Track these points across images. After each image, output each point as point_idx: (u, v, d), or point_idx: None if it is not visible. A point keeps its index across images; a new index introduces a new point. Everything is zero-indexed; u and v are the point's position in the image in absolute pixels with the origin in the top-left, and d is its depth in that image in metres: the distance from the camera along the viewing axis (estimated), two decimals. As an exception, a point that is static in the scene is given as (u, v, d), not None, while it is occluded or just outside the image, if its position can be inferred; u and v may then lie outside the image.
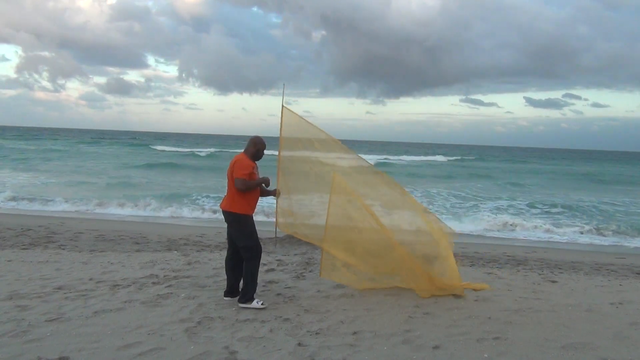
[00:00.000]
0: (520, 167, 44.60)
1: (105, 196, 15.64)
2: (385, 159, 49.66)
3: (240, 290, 4.86)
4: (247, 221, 4.80)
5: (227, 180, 4.87)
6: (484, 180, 28.80)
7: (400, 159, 51.58)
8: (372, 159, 47.51)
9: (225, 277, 5.87)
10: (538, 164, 52.97)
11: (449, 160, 53.14)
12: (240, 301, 4.72)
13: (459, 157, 58.67)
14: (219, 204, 5.12)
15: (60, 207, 13.80)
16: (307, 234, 5.41)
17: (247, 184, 4.71)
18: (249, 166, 4.75)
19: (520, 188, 24.60)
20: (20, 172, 23.17)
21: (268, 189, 5.02)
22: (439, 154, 64.59)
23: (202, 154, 45.08)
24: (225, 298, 4.97)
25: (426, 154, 66.30)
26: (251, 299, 4.71)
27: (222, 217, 4.93)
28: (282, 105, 5.16)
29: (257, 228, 4.92)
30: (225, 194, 4.90)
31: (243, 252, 4.78)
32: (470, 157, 60.98)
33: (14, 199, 14.56)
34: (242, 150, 4.97)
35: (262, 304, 4.69)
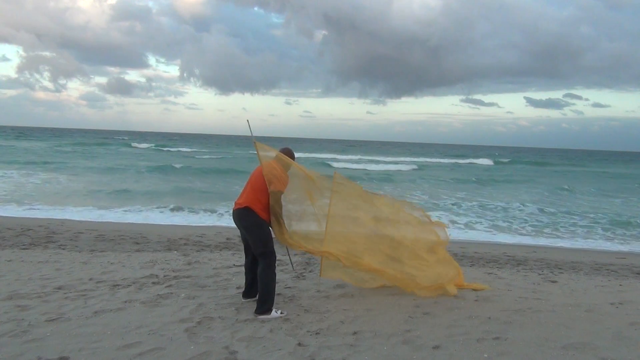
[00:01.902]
0: (568, 170, 43.64)
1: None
2: (415, 161, 48.33)
3: (254, 291, 4.78)
4: (267, 227, 4.64)
5: (250, 184, 4.70)
6: (564, 187, 25.51)
7: (439, 161, 50.35)
8: (408, 161, 46.37)
9: (226, 277, 5.89)
10: (575, 165, 52.35)
11: (495, 163, 51.45)
12: (257, 312, 4.46)
13: (504, 160, 56.57)
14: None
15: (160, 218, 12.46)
16: (304, 244, 5.04)
17: (280, 204, 4.63)
18: (286, 182, 4.68)
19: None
20: (57, 175, 22.17)
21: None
22: (483, 157, 61.33)
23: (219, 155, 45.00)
24: (243, 300, 4.89)
25: (474, 157, 63.16)
26: (269, 310, 4.47)
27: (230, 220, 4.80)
28: (254, 141, 4.74)
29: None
30: (245, 194, 4.69)
31: (262, 257, 4.56)
32: (505, 160, 58.56)
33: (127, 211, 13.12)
34: (274, 159, 4.76)
35: (281, 313, 4.50)
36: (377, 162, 45.65)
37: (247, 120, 4.77)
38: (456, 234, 11.57)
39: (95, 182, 20.65)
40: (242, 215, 4.63)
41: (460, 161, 53.25)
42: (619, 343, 3.92)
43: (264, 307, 4.47)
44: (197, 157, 43.69)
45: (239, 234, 4.92)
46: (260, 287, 4.55)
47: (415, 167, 40.67)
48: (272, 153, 4.83)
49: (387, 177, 29.86)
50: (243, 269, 6.33)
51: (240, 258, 7.20)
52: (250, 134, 4.77)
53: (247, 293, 4.93)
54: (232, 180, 23.48)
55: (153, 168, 28.37)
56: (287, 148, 4.92)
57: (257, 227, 4.58)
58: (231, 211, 4.87)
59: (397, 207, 5.74)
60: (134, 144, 59.44)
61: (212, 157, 44.94)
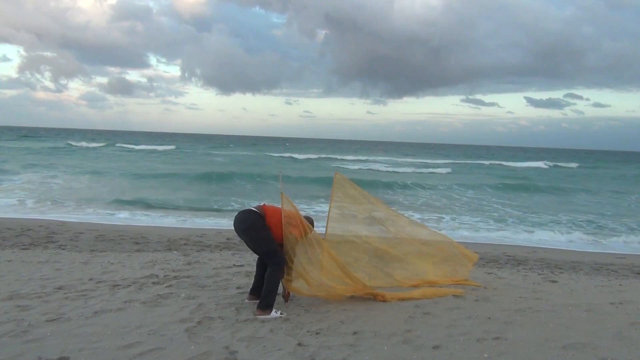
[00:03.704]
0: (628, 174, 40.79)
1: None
2: (446, 163, 45.63)
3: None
4: (270, 232, 4.60)
5: (272, 207, 4.75)
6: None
7: (477, 163, 47.56)
8: (440, 164, 44.01)
9: (226, 277, 5.89)
10: (618, 167, 49.88)
11: (553, 166, 48.10)
12: (258, 306, 4.48)
13: (559, 164, 51.87)
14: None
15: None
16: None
17: (294, 249, 4.66)
18: (304, 232, 4.71)
19: None
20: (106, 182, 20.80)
21: None
22: (540, 160, 55.99)
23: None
24: (247, 300, 4.86)
25: (527, 159, 58.23)
26: (269, 307, 4.46)
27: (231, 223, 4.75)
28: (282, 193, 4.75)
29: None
30: (260, 206, 4.71)
31: (269, 258, 4.56)
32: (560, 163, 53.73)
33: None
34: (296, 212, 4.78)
35: (281, 313, 4.49)
36: (401, 164, 43.14)
37: (280, 172, 4.84)
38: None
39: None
40: (247, 217, 4.62)
41: (488, 162, 49.81)
42: (619, 343, 3.92)
43: (264, 302, 4.47)
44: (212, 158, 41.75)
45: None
46: (267, 285, 4.54)
47: (449, 169, 37.67)
48: (295, 211, 4.80)
49: (434, 185, 24.40)
50: (243, 269, 6.35)
51: (240, 258, 7.20)
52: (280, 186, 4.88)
53: (254, 290, 4.88)
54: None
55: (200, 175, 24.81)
56: (309, 217, 4.93)
57: (260, 228, 4.56)
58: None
59: (405, 219, 5.83)
60: (155, 146, 55.10)
61: (223, 159, 42.73)
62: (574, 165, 51.74)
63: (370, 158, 51.27)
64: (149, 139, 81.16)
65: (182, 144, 66.55)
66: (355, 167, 38.75)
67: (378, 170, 35.43)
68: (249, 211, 4.67)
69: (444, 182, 26.66)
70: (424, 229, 6.08)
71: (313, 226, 4.85)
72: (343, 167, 36.95)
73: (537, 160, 56.30)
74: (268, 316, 4.41)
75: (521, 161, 54.19)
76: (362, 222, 5.60)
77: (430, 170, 37.35)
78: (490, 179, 30.07)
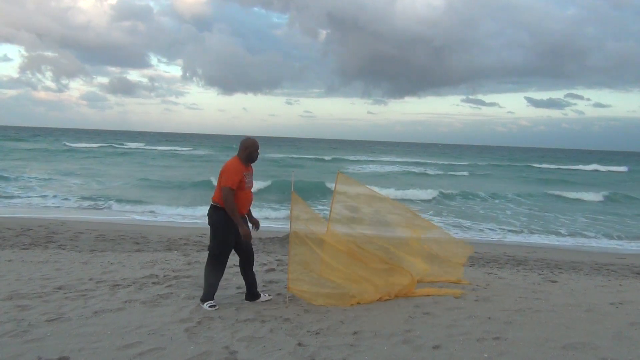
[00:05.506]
0: None
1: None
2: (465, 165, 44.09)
3: (252, 293, 4.95)
4: (228, 224, 4.61)
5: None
6: None
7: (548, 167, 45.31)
8: (466, 165, 42.03)
9: (226, 277, 5.89)
10: None
11: (630, 170, 45.65)
12: (200, 299, 4.76)
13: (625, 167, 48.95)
14: None
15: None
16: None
17: (231, 200, 4.48)
18: (238, 172, 4.53)
19: None
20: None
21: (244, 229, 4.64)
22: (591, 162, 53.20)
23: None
24: (246, 300, 4.96)
25: (602, 162, 54.94)
26: (205, 300, 4.69)
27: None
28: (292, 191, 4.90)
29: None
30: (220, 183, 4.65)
31: (209, 255, 4.82)
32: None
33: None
34: (236, 154, 4.72)
35: (210, 306, 4.61)
36: (450, 167, 41.30)
37: (292, 172, 5.03)
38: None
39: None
40: (210, 213, 4.82)
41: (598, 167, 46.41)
42: (619, 343, 3.92)
43: (203, 295, 4.73)
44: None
45: None
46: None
47: (488, 172, 36.21)
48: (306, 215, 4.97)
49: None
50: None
51: (240, 258, 7.20)
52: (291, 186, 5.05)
53: (247, 295, 4.99)
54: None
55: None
56: (247, 140, 4.72)
57: (215, 227, 4.77)
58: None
59: (411, 215, 5.82)
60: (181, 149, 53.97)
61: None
62: (623, 168, 48.50)
63: (404, 160, 49.62)
64: (156, 140, 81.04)
65: (196, 145, 65.42)
66: (391, 169, 37.85)
67: (427, 174, 34.09)
68: (214, 207, 4.74)
69: (499, 189, 23.86)
70: (426, 223, 6.06)
71: (257, 149, 4.70)
72: (386, 171, 36.39)
73: (586, 163, 52.67)
74: (203, 306, 4.62)
75: (564, 164, 50.95)
76: (365, 222, 5.59)
77: (471, 172, 36.04)
78: (549, 184, 27.90)
